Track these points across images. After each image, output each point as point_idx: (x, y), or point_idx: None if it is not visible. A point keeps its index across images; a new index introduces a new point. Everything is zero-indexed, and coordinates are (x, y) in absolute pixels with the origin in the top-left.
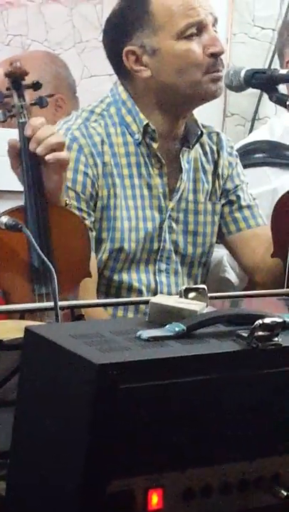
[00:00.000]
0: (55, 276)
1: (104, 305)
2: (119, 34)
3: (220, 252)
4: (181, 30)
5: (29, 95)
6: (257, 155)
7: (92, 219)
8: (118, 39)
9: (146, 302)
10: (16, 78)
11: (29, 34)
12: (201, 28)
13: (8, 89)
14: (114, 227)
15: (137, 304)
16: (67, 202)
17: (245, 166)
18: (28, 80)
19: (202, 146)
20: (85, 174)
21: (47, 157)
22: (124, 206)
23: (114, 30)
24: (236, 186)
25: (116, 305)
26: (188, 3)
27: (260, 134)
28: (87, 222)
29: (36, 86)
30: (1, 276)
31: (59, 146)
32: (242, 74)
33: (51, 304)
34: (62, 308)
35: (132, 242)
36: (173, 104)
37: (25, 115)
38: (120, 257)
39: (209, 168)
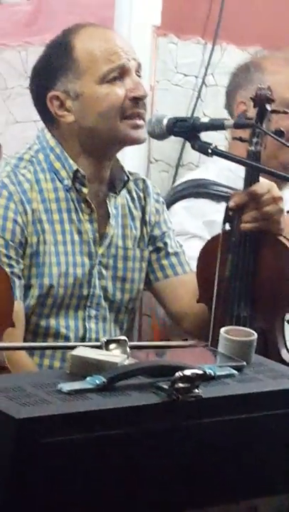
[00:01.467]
0: None
1: (23, 349)
2: (44, 80)
3: None
4: (104, 75)
5: None
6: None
7: (21, 266)
8: (43, 85)
9: (71, 348)
10: None
11: None
12: (123, 72)
13: None
14: (43, 273)
15: (58, 348)
16: None
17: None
18: None
19: (129, 192)
20: (15, 221)
21: None
22: (53, 252)
23: (39, 76)
24: (163, 233)
25: (38, 349)
26: (111, 49)
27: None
28: (16, 269)
29: None
30: None
31: None
32: (164, 122)
33: None
34: None
35: (61, 287)
36: (96, 148)
37: None
38: (47, 302)
39: (137, 214)
